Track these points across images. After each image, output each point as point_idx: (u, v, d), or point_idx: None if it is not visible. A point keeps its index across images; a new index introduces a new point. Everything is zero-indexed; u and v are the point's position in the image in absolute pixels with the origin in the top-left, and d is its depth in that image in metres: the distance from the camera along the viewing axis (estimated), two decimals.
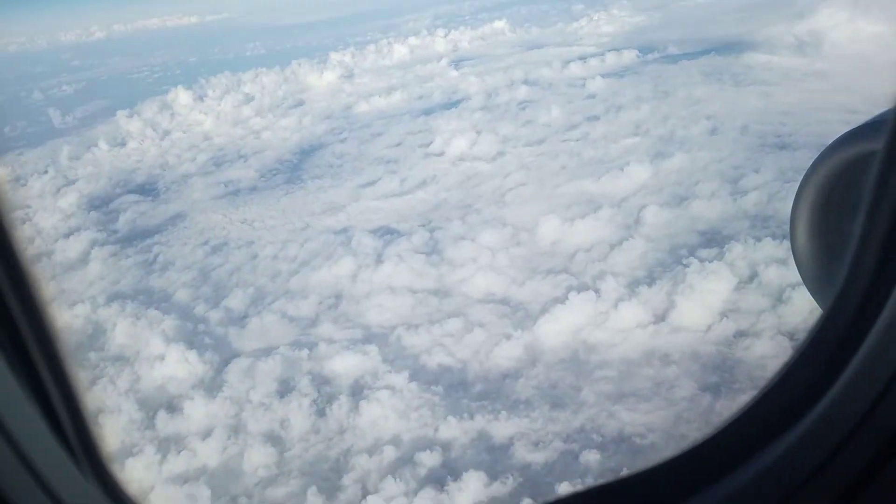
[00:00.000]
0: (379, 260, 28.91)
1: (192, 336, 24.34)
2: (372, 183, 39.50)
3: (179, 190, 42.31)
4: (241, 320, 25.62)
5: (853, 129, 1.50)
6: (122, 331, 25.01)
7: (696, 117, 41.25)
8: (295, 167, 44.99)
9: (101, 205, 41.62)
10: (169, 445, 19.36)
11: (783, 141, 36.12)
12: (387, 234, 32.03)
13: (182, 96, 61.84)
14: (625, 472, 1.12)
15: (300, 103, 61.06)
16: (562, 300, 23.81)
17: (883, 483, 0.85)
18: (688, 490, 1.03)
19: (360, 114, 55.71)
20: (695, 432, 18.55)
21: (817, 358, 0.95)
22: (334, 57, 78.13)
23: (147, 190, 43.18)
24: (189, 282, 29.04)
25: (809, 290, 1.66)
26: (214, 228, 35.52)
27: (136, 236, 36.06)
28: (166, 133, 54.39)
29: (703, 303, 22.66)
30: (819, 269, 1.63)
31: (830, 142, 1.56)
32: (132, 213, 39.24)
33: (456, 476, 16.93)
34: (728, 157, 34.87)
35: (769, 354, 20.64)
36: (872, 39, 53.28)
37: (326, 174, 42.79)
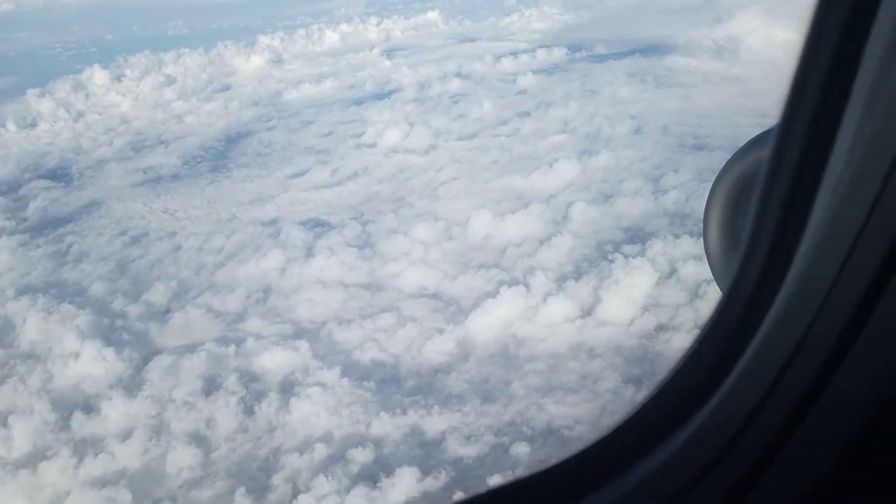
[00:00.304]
0: (309, 253, 28.46)
1: (110, 332, 23.19)
2: (302, 173, 38.75)
3: (94, 176, 40.10)
4: (162, 315, 24.67)
5: (761, 134, 1.57)
6: (32, 326, 23.54)
7: (621, 117, 42.60)
8: (220, 155, 43.51)
9: (8, 191, 38.95)
10: (86, 448, 18.45)
11: (700, 142, 37.87)
12: (317, 226, 31.52)
13: (98, 76, 58.49)
14: (513, 475, 1.14)
15: (226, 87, 58.95)
16: (493, 294, 24.19)
17: (773, 476, 0.86)
18: (579, 492, 1.04)
19: (290, 101, 54.37)
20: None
21: (710, 352, 0.98)
22: (263, 40, 75.63)
23: (59, 175, 40.62)
24: (105, 274, 27.64)
25: (720, 288, 1.66)
26: (133, 218, 33.94)
27: (47, 225, 33.94)
28: (80, 115, 51.30)
29: (627, 297, 23.56)
30: (729, 267, 1.62)
31: (741, 145, 1.64)
32: (43, 200, 36.90)
33: (388, 472, 16.98)
34: (650, 156, 36.25)
35: (687, 346, 21.71)
36: (785, 46, 56.41)
37: (254, 163, 41.62)
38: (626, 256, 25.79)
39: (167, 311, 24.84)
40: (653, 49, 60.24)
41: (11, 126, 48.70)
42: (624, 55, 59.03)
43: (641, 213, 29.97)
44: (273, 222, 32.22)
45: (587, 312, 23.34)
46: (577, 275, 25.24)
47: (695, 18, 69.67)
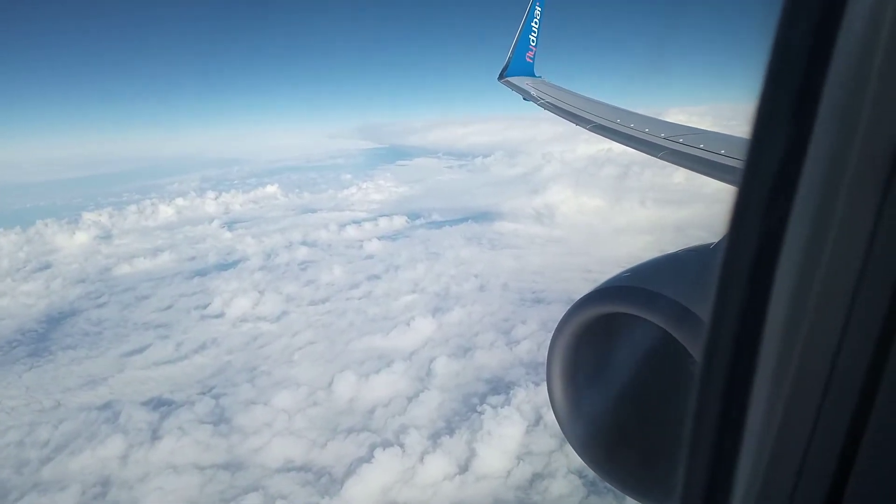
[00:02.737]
0: (155, 436, 25.66)
1: None
2: (140, 350, 35.82)
3: None
4: None
5: (587, 295, 1.70)
6: None
7: (466, 276, 45.34)
8: (41, 337, 39.11)
9: None
10: None
11: (538, 296, 41.06)
12: (162, 405, 28.79)
13: None
14: None
15: (47, 266, 54.51)
16: (367, 459, 23.15)
17: None
18: None
19: (122, 276, 51.34)
20: None
21: None
22: (88, 217, 72.29)
23: None
24: None
25: (570, 443, 1.78)
26: None
27: None
28: None
29: (501, 448, 23.72)
30: (574, 423, 1.80)
31: (569, 307, 1.75)
32: None
33: None
34: (498, 310, 38.47)
35: (564, 493, 21.99)
36: (594, 211, 65.04)
37: (82, 343, 37.83)
38: (493, 407, 26.28)
39: None
40: (483, 216, 66.27)
41: None
42: (458, 222, 64.17)
43: (499, 363, 31.12)
44: (108, 406, 28.93)
45: (464, 468, 23.02)
46: (450, 430, 25.10)
47: (514, 191, 78.58)
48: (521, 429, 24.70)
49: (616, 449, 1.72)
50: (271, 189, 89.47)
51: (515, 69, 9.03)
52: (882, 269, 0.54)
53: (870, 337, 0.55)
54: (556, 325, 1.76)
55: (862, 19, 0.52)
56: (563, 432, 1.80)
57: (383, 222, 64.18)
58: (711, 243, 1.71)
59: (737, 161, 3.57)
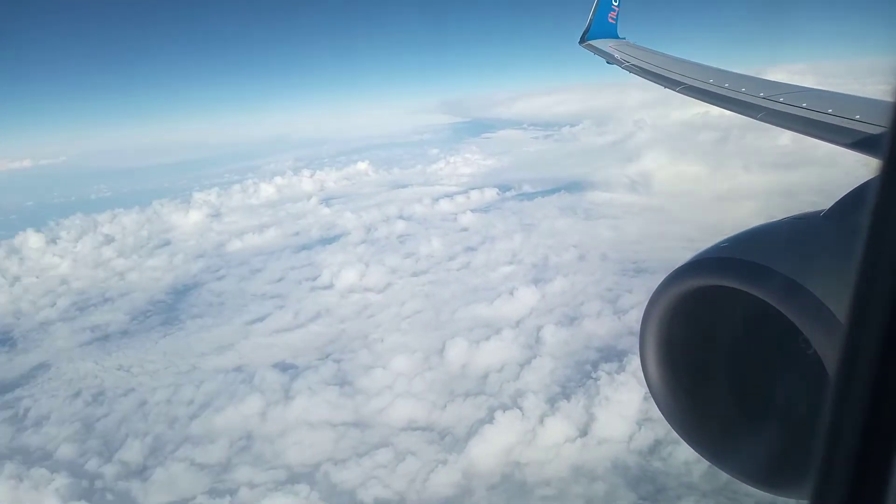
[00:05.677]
0: (288, 396, 27.60)
1: (90, 493, 21.16)
2: (260, 319, 38.24)
3: (39, 338, 37.89)
4: (141, 473, 22.80)
5: (680, 268, 1.61)
6: (3, 495, 21.15)
7: (563, 246, 45.22)
8: (170, 308, 42.42)
9: None
10: None
11: (639, 266, 40.42)
12: (288, 368, 30.84)
13: (32, 239, 57.00)
14: None
15: (167, 243, 58.67)
16: (488, 420, 24.06)
17: None
18: None
19: (235, 251, 54.56)
20: None
21: None
22: (198, 196, 76.82)
23: (1, 340, 38.32)
24: (72, 436, 25.53)
25: (662, 413, 1.76)
26: (86, 377, 31.94)
27: None
28: (16, 279, 49.28)
29: (620, 413, 23.98)
30: (668, 395, 1.76)
31: (662, 280, 1.68)
32: None
33: None
34: (600, 280, 38.28)
35: (691, 460, 22.05)
36: (693, 178, 63.01)
37: (207, 313, 40.75)
38: (608, 374, 26.51)
39: (145, 468, 23.00)
40: (575, 186, 65.48)
41: None
42: (550, 192, 63.78)
43: (609, 332, 31.13)
44: (239, 369, 31.26)
45: (584, 432, 23.51)
46: (566, 395, 25.60)
47: (605, 159, 76.99)
48: (640, 395, 24.69)
49: (713, 426, 1.69)
50: (362, 166, 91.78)
51: (597, 32, 8.45)
52: None
53: None
54: (648, 299, 1.70)
55: None
56: (659, 407, 1.79)
57: (475, 195, 64.75)
58: (822, 210, 1.63)
59: (848, 121, 3.22)
